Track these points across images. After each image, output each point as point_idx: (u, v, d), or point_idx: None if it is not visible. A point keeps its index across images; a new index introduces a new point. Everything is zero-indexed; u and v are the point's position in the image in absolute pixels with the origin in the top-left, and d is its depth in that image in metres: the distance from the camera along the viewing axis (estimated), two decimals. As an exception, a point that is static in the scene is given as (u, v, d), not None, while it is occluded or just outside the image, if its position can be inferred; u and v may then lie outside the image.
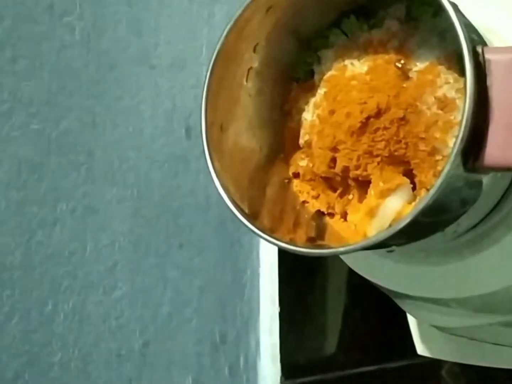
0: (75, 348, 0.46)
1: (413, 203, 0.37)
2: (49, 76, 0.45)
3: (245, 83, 0.41)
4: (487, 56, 0.33)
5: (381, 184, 0.37)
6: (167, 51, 0.55)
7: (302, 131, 0.41)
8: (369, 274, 0.46)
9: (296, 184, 0.42)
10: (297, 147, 0.42)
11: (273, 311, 0.63)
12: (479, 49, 0.33)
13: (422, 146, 0.36)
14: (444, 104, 0.36)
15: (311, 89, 0.41)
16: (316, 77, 0.41)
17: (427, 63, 0.37)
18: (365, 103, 0.37)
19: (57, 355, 0.45)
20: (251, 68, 0.41)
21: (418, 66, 0.38)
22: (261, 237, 0.36)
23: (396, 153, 0.36)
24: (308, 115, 0.41)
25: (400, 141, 0.36)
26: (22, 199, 0.43)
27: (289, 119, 0.42)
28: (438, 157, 0.36)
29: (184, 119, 0.55)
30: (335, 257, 0.70)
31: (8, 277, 0.43)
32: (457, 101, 0.36)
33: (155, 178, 0.52)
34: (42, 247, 0.44)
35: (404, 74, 0.38)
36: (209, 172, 0.36)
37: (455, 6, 0.34)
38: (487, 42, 0.36)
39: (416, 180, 0.37)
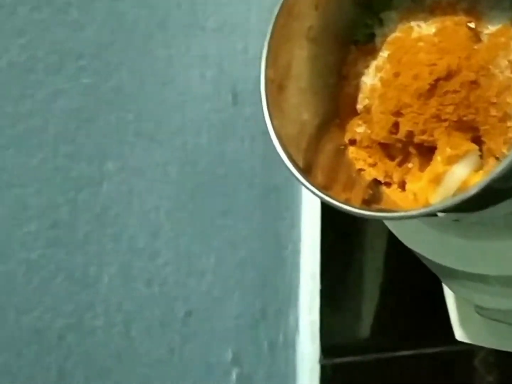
0: (118, 313, 0.44)
1: (480, 172, 0.35)
2: (99, 28, 0.44)
3: (304, 43, 0.39)
4: None
5: (448, 150, 0.35)
6: (216, 13, 0.53)
7: (360, 96, 0.40)
8: (417, 247, 0.45)
9: (352, 151, 0.41)
10: (354, 113, 0.40)
11: (314, 288, 0.62)
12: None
13: (493, 112, 0.35)
14: (518, 68, 0.34)
15: (371, 52, 0.40)
16: (377, 39, 0.40)
17: (499, 26, 0.36)
18: (434, 64, 0.35)
19: (100, 318, 0.43)
20: (310, 27, 0.39)
21: (490, 28, 0.36)
22: (315, 194, 0.34)
23: (465, 118, 0.35)
24: (368, 79, 0.40)
25: (470, 105, 0.35)
26: (70, 154, 0.42)
27: (346, 83, 0.41)
28: (510, 124, 0.34)
29: (231, 84, 0.53)
30: (376, 236, 0.69)
31: (54, 234, 0.41)
32: (533, 65, 0.34)
33: (201, 143, 0.51)
34: (88, 206, 0.43)
35: (476, 36, 0.36)
36: (267, 129, 0.35)
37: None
38: None
39: (484, 147, 0.36)
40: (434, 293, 0.52)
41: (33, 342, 0.42)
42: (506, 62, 0.35)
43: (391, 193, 0.39)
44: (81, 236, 0.43)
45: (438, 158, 0.36)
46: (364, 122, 0.40)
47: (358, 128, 0.40)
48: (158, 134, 0.48)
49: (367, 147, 0.40)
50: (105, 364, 0.45)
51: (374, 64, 0.39)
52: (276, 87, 0.38)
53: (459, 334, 0.55)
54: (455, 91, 0.35)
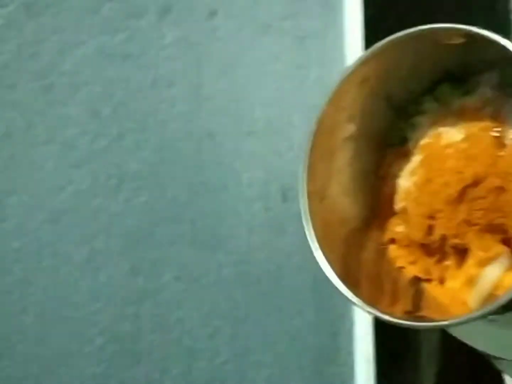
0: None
1: (512, 271, 0.37)
2: (152, 149, 0.47)
3: (341, 153, 0.42)
4: None
5: (480, 253, 0.37)
6: (261, 116, 0.56)
7: (397, 197, 0.41)
8: (465, 338, 0.45)
9: (392, 249, 0.42)
10: (392, 212, 0.42)
11: (368, 372, 0.62)
12: None
13: (521, 214, 0.36)
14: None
15: (405, 155, 0.41)
16: (410, 143, 0.42)
17: (523, 130, 0.37)
18: (461, 172, 0.37)
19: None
20: (346, 137, 0.42)
21: (513, 133, 0.38)
22: (364, 310, 0.36)
23: (494, 222, 0.36)
24: (403, 181, 0.41)
25: (499, 209, 0.36)
26: (130, 268, 0.44)
27: (384, 184, 0.42)
28: (538, 225, 0.36)
29: (279, 183, 0.56)
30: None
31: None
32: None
33: (255, 242, 0.53)
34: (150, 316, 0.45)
35: (500, 142, 0.38)
36: (309, 244, 0.37)
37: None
38: None
39: (515, 247, 0.37)
40: (491, 371, 0.52)
41: None
42: (530, 166, 0.36)
43: (432, 290, 0.40)
44: (145, 344, 0.46)
45: (470, 261, 0.37)
46: (403, 222, 0.41)
47: (397, 228, 0.41)
48: (211, 240, 0.50)
49: (407, 245, 0.41)
50: None
51: (408, 167, 0.41)
52: (315, 199, 0.40)
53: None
54: (483, 197, 0.36)
